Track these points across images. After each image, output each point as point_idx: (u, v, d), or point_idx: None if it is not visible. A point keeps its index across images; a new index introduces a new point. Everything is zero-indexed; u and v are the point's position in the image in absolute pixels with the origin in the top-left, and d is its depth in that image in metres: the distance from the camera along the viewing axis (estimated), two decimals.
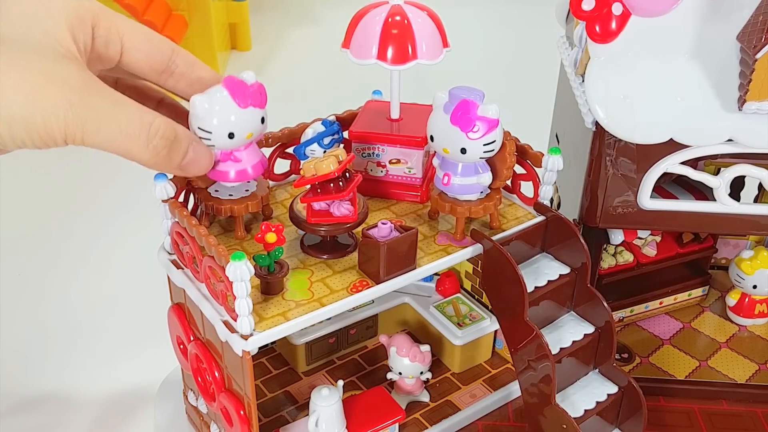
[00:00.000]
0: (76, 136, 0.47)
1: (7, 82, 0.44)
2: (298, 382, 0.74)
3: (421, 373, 0.70)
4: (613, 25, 0.60)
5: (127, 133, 0.49)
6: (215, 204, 0.60)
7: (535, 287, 0.62)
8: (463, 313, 0.75)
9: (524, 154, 0.66)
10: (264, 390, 0.73)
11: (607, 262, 0.80)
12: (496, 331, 0.75)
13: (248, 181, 0.61)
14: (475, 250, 0.62)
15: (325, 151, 0.63)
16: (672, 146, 0.63)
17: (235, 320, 0.53)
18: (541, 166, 0.64)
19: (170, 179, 0.57)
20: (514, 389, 0.73)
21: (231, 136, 0.56)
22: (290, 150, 0.68)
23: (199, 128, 0.55)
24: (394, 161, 0.66)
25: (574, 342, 0.63)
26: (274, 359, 0.77)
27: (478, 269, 0.75)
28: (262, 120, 0.57)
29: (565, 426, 0.60)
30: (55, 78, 0.46)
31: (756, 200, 0.80)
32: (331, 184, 0.58)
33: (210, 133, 0.55)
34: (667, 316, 0.85)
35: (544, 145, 0.83)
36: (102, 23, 0.51)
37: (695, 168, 0.65)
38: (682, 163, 0.64)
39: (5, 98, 0.44)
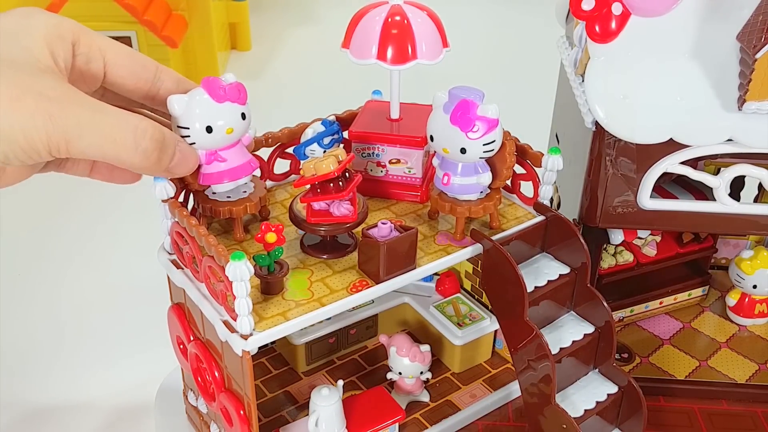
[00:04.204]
0: (60, 147, 0.46)
1: None
2: (298, 382, 0.74)
3: (421, 373, 0.70)
4: (613, 25, 0.60)
5: (113, 139, 0.48)
6: (213, 206, 0.59)
7: (535, 287, 0.62)
8: (463, 313, 0.75)
9: (524, 154, 0.66)
10: (264, 390, 0.73)
11: (607, 262, 0.80)
12: (496, 331, 0.75)
13: (244, 182, 0.61)
14: (475, 250, 0.62)
15: (325, 151, 0.64)
16: (672, 146, 0.63)
17: (235, 320, 0.53)
18: (541, 166, 0.64)
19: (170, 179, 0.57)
20: (514, 389, 0.73)
21: (209, 130, 0.56)
22: (290, 150, 0.68)
23: (178, 126, 0.55)
24: (394, 161, 0.66)
25: (574, 342, 0.63)
26: (274, 359, 0.77)
27: (478, 269, 0.75)
28: (243, 116, 0.57)
29: (565, 426, 0.60)
30: (32, 89, 0.45)
31: (756, 200, 0.80)
32: (331, 184, 0.58)
33: (188, 129, 0.55)
34: (667, 316, 0.85)
35: (544, 145, 0.83)
36: (83, 40, 0.51)
37: (695, 168, 0.65)
38: (682, 162, 0.64)
39: None
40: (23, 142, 0.45)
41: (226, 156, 0.58)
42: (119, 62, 0.53)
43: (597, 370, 0.66)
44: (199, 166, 0.58)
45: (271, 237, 0.57)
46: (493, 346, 0.77)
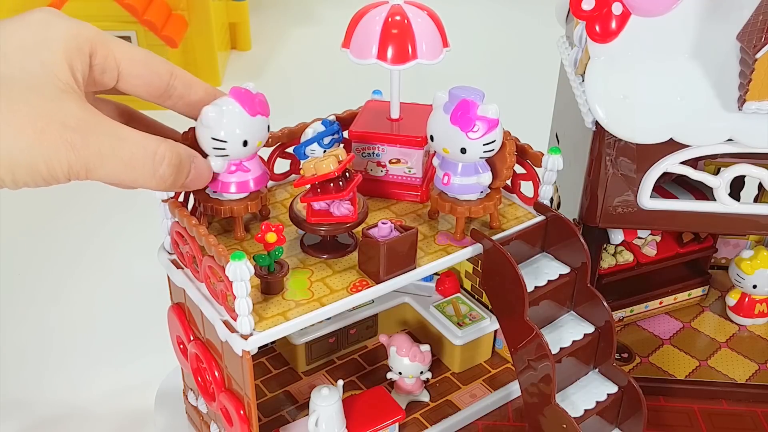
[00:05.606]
0: (80, 174, 0.47)
1: (7, 128, 0.44)
2: (298, 382, 0.74)
3: (421, 372, 0.70)
4: (613, 24, 0.60)
5: (132, 166, 0.49)
6: (214, 205, 0.60)
7: (535, 287, 0.62)
8: (463, 312, 0.75)
9: (524, 154, 0.66)
10: (264, 390, 0.73)
11: (607, 261, 0.80)
12: (496, 331, 0.75)
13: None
14: (475, 249, 0.62)
15: (325, 151, 0.63)
16: (672, 146, 0.63)
17: (235, 320, 0.53)
18: (541, 166, 0.64)
19: None
20: (514, 389, 0.73)
21: (245, 144, 0.57)
22: (290, 150, 0.68)
23: (212, 138, 0.56)
24: (394, 161, 0.66)
25: (574, 342, 0.63)
26: (274, 359, 0.77)
27: (478, 269, 0.75)
28: (268, 128, 0.59)
29: (565, 426, 0.60)
30: (55, 119, 0.46)
31: (756, 200, 0.80)
32: (331, 184, 0.58)
33: (225, 142, 0.56)
34: (667, 315, 0.85)
35: (544, 145, 0.83)
36: (99, 51, 0.51)
37: (695, 168, 0.65)
38: (682, 162, 0.64)
39: (7, 145, 0.45)
40: (45, 172, 0.46)
41: (250, 166, 0.59)
42: (133, 72, 0.53)
43: (597, 370, 0.66)
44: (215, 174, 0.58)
45: (271, 237, 0.57)
46: (493, 346, 0.77)
